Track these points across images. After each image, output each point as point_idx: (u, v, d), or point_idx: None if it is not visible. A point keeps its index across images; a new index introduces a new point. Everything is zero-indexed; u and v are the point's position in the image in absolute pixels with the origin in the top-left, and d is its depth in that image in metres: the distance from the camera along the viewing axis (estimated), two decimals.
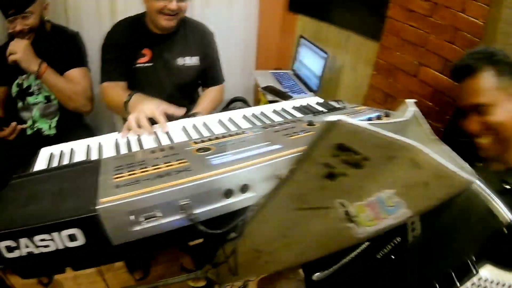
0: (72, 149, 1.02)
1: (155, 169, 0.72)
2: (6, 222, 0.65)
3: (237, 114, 1.17)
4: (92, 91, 2.07)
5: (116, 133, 1.11)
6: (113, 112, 1.94)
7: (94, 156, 0.95)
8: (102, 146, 1.00)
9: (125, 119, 1.30)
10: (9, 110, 2.14)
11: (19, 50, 1.84)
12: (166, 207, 0.66)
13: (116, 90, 1.78)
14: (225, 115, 1.16)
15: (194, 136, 1.02)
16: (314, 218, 0.57)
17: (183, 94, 1.96)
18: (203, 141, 0.88)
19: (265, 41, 2.79)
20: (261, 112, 1.19)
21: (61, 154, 0.99)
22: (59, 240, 0.64)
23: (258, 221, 0.64)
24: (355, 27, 2.36)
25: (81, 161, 0.89)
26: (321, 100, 1.34)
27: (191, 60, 1.94)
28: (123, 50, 1.84)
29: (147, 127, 1.12)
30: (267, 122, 1.09)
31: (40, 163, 0.96)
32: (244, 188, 0.71)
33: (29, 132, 2.09)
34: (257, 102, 2.78)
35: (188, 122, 1.14)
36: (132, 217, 0.65)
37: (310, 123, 0.98)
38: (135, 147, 0.97)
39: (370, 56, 2.26)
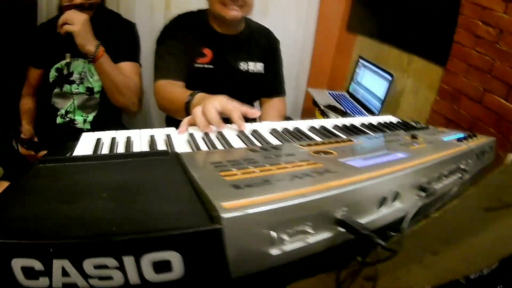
0: (128, 137, 0.82)
1: (280, 168, 0.54)
2: (32, 224, 0.40)
3: (326, 123, 1.04)
4: (142, 90, 1.91)
5: (171, 128, 0.92)
6: (167, 113, 1.74)
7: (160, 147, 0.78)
8: (170, 138, 0.83)
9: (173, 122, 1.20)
10: (41, 96, 1.97)
11: (78, 22, 1.60)
12: (318, 219, 0.46)
13: (174, 89, 1.60)
14: (315, 123, 1.02)
15: (287, 136, 0.88)
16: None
17: (243, 103, 1.76)
18: (309, 145, 0.73)
19: (320, 59, 2.70)
20: (351, 124, 1.06)
21: (114, 142, 0.80)
22: (133, 270, 0.38)
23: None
24: (419, 50, 2.23)
25: (150, 151, 0.72)
26: (398, 119, 1.22)
27: (255, 66, 1.81)
28: (183, 46, 1.69)
29: (218, 122, 0.93)
30: (360, 133, 0.98)
31: (83, 149, 0.77)
32: (396, 196, 0.56)
33: (59, 121, 1.89)
34: None
35: (268, 126, 0.97)
36: (273, 234, 0.42)
37: (414, 136, 0.89)
38: (218, 145, 0.80)
39: (433, 80, 2.14)
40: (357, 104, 2.40)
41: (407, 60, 2.32)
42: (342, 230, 0.47)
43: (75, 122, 1.88)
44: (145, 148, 0.78)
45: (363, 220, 0.50)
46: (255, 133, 0.88)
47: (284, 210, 0.42)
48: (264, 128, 0.93)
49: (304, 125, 0.98)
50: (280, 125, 0.96)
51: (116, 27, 1.89)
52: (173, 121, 1.76)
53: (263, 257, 0.42)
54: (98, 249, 0.37)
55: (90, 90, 1.85)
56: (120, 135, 0.84)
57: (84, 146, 0.78)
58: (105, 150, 0.77)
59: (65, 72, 1.83)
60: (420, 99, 2.26)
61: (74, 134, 1.78)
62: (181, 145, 0.79)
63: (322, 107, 2.17)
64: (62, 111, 1.88)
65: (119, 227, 0.39)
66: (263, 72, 1.81)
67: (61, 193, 0.48)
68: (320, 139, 0.86)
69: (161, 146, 0.78)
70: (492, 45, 1.79)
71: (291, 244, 0.44)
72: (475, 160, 0.84)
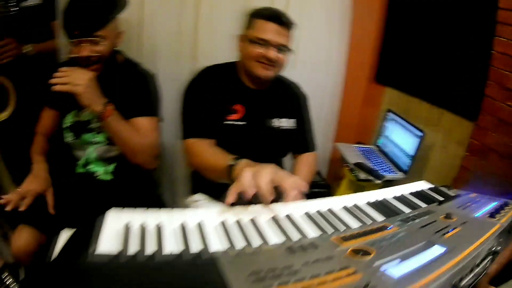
0: (158, 226, 0.80)
1: (320, 284, 0.55)
2: None
3: (360, 200, 1.02)
4: (159, 147, 1.82)
5: (203, 212, 0.88)
6: (200, 172, 1.62)
7: (194, 242, 0.74)
8: (203, 226, 0.81)
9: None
10: (56, 144, 1.90)
11: (82, 82, 1.54)
12: None
13: (210, 150, 1.55)
14: (348, 200, 1.01)
15: (322, 224, 0.85)
16: None
17: (274, 160, 1.68)
18: (345, 237, 0.73)
19: (348, 112, 2.71)
20: (384, 200, 1.04)
21: (143, 230, 0.77)
22: None
23: None
24: (449, 105, 2.23)
25: (190, 253, 0.70)
26: (430, 185, 1.20)
27: (288, 123, 1.78)
28: (213, 102, 1.66)
29: (269, 193, 0.93)
30: (392, 211, 0.97)
31: (111, 237, 0.75)
32: None
33: (79, 170, 1.83)
34: (337, 177, 2.63)
35: (301, 208, 0.95)
36: None
37: (448, 216, 0.89)
38: (254, 237, 0.78)
39: (463, 135, 2.13)
40: (386, 160, 2.39)
41: (437, 114, 2.32)
42: None
43: (96, 174, 1.82)
44: (178, 239, 0.76)
45: None
46: (289, 218, 0.87)
47: None
48: (297, 211, 0.92)
49: (337, 205, 0.97)
50: (314, 207, 0.95)
51: (131, 79, 1.80)
52: (199, 178, 1.73)
53: None
54: None
55: (109, 140, 1.77)
56: (150, 221, 0.82)
57: (112, 232, 0.77)
58: (134, 240, 0.74)
59: (83, 118, 1.78)
60: (449, 154, 2.25)
61: (95, 185, 1.80)
62: (214, 236, 0.78)
63: (351, 164, 2.16)
64: (82, 161, 1.82)
65: None
66: (295, 128, 1.79)
67: None
68: (356, 223, 0.86)
69: (194, 236, 0.77)
70: None
71: None
72: (506, 236, 0.84)
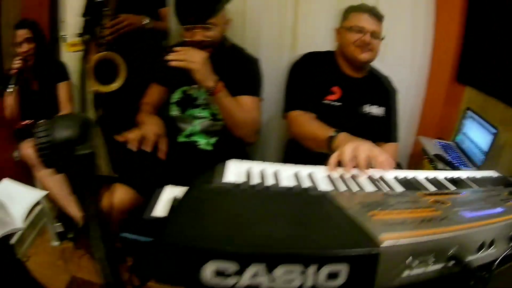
0: (276, 171, 1.00)
1: (411, 212, 0.77)
2: (232, 237, 0.61)
3: (439, 174, 1.18)
4: (260, 123, 1.99)
5: (312, 167, 1.06)
6: (301, 142, 1.79)
7: (305, 184, 0.93)
8: (312, 174, 1.01)
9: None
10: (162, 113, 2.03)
11: (198, 60, 1.68)
12: (438, 253, 0.67)
13: (312, 122, 1.71)
14: (430, 174, 1.17)
15: (408, 185, 1.04)
16: None
17: None
18: (427, 193, 0.94)
19: (429, 108, 2.78)
20: (459, 177, 1.19)
21: (263, 173, 0.96)
22: (312, 276, 0.58)
23: None
24: None
25: (307, 187, 0.89)
26: (498, 174, 1.31)
27: (377, 110, 1.90)
28: (314, 81, 1.81)
29: (365, 167, 1.07)
30: (465, 184, 1.12)
31: (234, 175, 0.92)
32: (491, 243, 0.76)
33: (181, 139, 1.99)
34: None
35: (392, 174, 1.11)
36: (408, 260, 0.63)
37: (511, 193, 1.02)
38: (353, 187, 0.98)
39: None
40: (462, 155, 2.49)
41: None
42: (451, 263, 0.69)
43: (198, 143, 1.98)
44: (291, 180, 0.97)
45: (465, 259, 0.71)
46: (382, 179, 1.06)
47: (420, 245, 0.65)
48: (389, 175, 1.10)
49: (421, 175, 1.14)
50: (403, 174, 1.12)
51: (238, 62, 1.96)
52: (292, 150, 1.94)
53: (397, 276, 0.64)
54: (293, 258, 0.57)
55: (213, 116, 1.95)
56: (268, 168, 1.02)
57: (233, 173, 0.95)
58: (255, 178, 0.92)
59: (193, 95, 1.94)
60: None
61: (196, 153, 1.97)
62: (322, 183, 0.99)
63: (431, 155, 2.28)
64: (186, 132, 1.98)
65: (310, 243, 0.61)
66: (383, 116, 1.91)
67: (249, 214, 0.70)
68: (434, 189, 1.04)
69: (305, 180, 0.98)
70: None
71: (416, 270, 0.65)
72: None
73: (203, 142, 1.98)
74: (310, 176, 1.02)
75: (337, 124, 1.64)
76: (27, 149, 2.31)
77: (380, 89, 1.97)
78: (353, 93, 1.87)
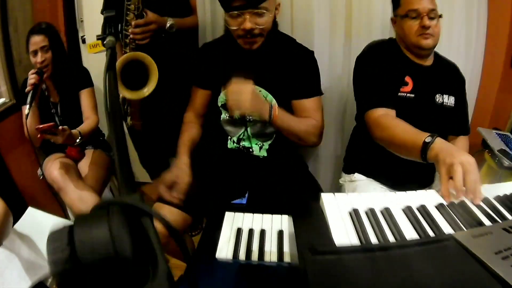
0: (384, 209, 0.96)
1: None
2: None
3: None
4: (323, 124, 1.80)
5: (431, 191, 1.04)
6: (386, 147, 1.57)
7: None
8: (426, 209, 0.95)
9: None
10: (208, 121, 1.91)
11: (246, 100, 1.44)
12: None
13: (398, 123, 1.52)
14: None
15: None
16: None
17: None
18: None
19: (485, 97, 2.67)
20: None
21: (373, 216, 0.93)
22: None
23: None
24: None
25: (432, 238, 0.82)
26: None
27: (448, 100, 1.76)
28: (387, 73, 1.65)
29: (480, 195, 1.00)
30: None
31: (339, 224, 0.91)
32: None
33: (231, 146, 1.86)
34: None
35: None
36: None
37: None
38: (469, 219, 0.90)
39: None
40: None
41: None
42: None
43: (251, 150, 1.81)
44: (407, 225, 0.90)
45: None
46: (489, 205, 0.98)
47: None
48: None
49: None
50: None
51: (294, 57, 1.77)
52: (359, 156, 1.84)
53: None
54: None
55: None
56: (369, 201, 0.97)
57: (336, 217, 0.90)
58: (368, 227, 0.90)
59: None
60: None
61: (248, 160, 1.83)
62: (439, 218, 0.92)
63: (495, 151, 2.18)
64: (234, 138, 1.82)
65: None
66: (454, 106, 1.76)
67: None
68: None
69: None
70: None
71: None
72: None
73: (255, 148, 1.85)
74: (424, 211, 0.97)
75: (412, 118, 1.53)
76: (53, 172, 2.12)
77: (450, 77, 1.82)
78: (425, 83, 1.72)
